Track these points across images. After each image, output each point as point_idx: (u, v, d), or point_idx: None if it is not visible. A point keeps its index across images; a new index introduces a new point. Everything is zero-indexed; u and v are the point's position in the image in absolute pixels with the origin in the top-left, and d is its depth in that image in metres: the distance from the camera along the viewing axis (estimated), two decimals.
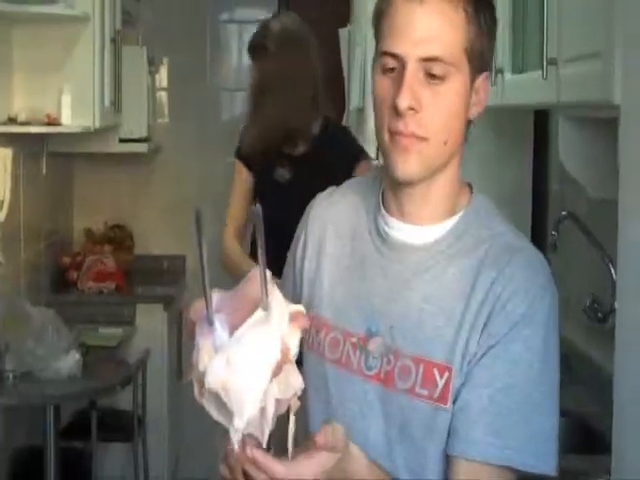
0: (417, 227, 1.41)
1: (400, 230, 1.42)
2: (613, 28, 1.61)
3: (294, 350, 1.10)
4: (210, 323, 1.08)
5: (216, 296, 1.11)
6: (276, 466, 1.13)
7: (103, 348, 3.72)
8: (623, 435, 1.46)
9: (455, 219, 1.41)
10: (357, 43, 3.86)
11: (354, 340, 1.42)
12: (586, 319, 2.43)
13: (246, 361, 1.05)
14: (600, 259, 2.32)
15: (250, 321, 1.07)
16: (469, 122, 1.40)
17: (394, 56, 1.32)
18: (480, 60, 1.37)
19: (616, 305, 1.53)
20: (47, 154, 4.24)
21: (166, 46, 5.00)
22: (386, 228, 1.43)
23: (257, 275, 1.10)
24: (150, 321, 4.28)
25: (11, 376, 3.18)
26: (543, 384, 1.34)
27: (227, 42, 5.30)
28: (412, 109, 1.31)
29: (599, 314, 2.37)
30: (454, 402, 1.33)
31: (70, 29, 3.61)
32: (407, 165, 1.34)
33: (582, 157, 2.10)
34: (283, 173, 3.19)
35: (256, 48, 3.18)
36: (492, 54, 1.42)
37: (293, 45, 3.11)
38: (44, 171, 4.23)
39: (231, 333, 1.07)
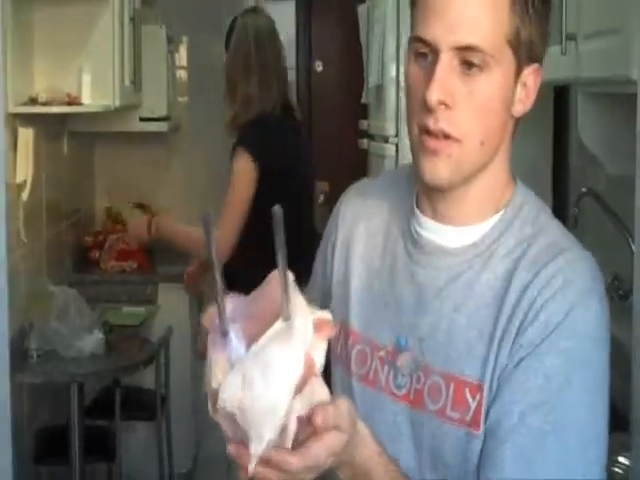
0: (453, 228, 1.27)
1: (434, 232, 1.28)
2: (632, 4, 1.61)
3: (319, 362, 0.97)
4: (224, 334, 0.96)
5: (231, 302, 0.99)
6: (289, 458, 0.99)
7: (126, 327, 3.74)
8: None
9: (496, 218, 1.26)
10: (375, 20, 3.84)
11: (382, 354, 1.29)
12: (607, 296, 2.42)
13: (265, 379, 0.93)
14: (621, 235, 2.32)
15: (270, 333, 0.95)
16: (517, 120, 1.25)
17: (426, 43, 1.18)
18: (528, 50, 1.20)
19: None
20: (68, 134, 4.26)
21: (185, 25, 4.99)
22: (418, 229, 1.29)
23: (277, 279, 0.97)
24: (172, 300, 4.30)
25: (35, 355, 3.22)
26: (584, 406, 1.15)
27: None
28: (444, 104, 1.17)
29: (620, 291, 2.37)
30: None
31: (89, 9, 3.63)
32: (435, 170, 1.20)
33: (601, 133, 2.09)
34: None
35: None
36: (545, 43, 1.24)
37: (237, 44, 3.39)
38: (65, 151, 4.25)
39: (248, 345, 0.95)
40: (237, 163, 3.20)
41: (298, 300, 0.97)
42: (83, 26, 3.63)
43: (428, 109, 1.18)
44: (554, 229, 1.26)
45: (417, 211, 1.30)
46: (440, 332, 1.23)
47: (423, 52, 1.19)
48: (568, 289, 1.17)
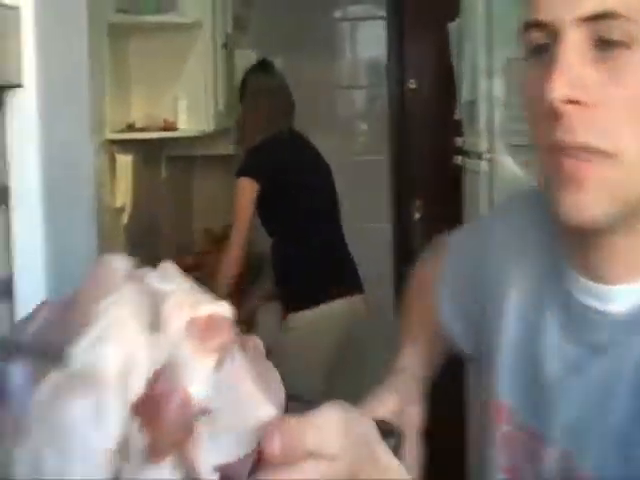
0: (617, 288, 0.89)
1: (590, 294, 0.91)
2: None
3: (202, 390, 0.57)
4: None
5: (45, 311, 0.62)
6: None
7: None
8: None
9: None
10: (466, 36, 3.83)
11: (529, 444, 0.96)
12: None
13: (62, 453, 0.55)
14: None
15: (53, 377, 0.56)
16: None
17: (544, 26, 0.83)
18: None
19: None
20: (166, 158, 4.36)
21: (278, 48, 5.06)
22: (569, 286, 0.94)
23: (99, 271, 0.62)
24: (269, 319, 4.35)
25: None
26: None
27: (340, 40, 5.34)
28: (575, 102, 0.81)
29: None
30: None
31: (183, 37, 3.73)
32: (578, 205, 0.82)
33: None
34: None
35: None
36: None
37: (249, 101, 3.84)
38: (163, 175, 4.35)
39: None
40: (239, 190, 3.61)
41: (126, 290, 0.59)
42: (177, 54, 3.74)
43: (554, 116, 0.81)
44: None
45: (565, 265, 0.95)
46: (588, 420, 0.88)
47: (541, 44, 0.85)
48: None
